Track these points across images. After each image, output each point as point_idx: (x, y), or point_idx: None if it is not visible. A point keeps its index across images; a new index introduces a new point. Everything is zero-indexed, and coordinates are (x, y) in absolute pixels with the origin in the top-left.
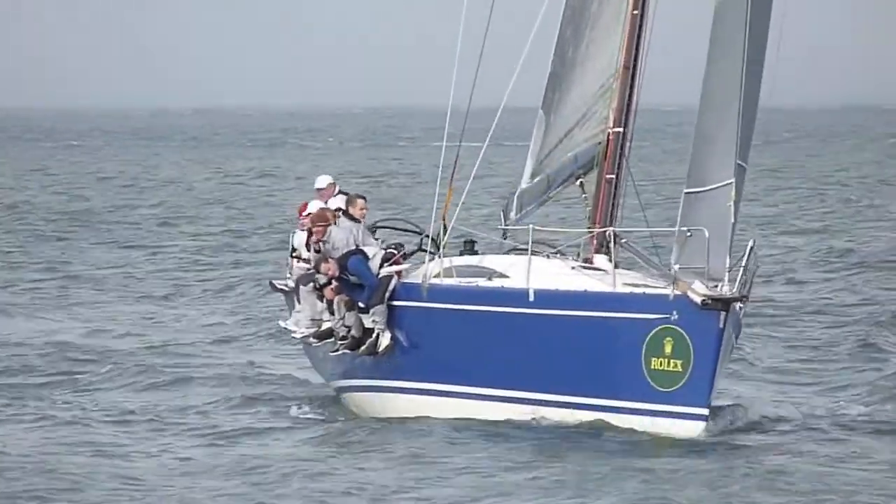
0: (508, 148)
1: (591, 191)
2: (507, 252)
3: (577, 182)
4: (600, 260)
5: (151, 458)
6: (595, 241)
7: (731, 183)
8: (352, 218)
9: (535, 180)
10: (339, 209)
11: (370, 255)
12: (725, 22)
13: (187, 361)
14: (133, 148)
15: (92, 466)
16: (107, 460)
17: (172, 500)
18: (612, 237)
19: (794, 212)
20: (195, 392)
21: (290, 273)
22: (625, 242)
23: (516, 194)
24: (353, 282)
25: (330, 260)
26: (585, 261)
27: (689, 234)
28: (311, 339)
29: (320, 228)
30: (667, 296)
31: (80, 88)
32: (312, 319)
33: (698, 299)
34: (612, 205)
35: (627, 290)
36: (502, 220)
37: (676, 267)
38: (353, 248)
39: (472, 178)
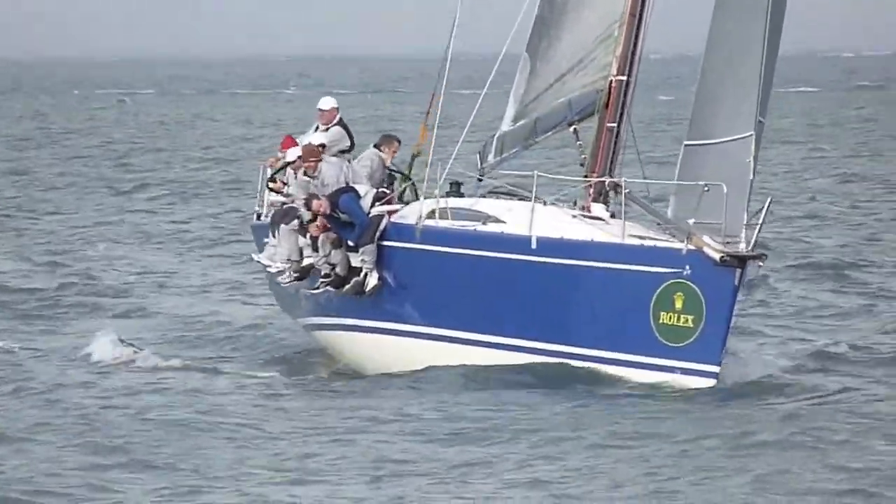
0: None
1: (586, 138)
2: (485, 195)
3: (571, 129)
4: (598, 209)
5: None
6: (594, 190)
7: (751, 135)
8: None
9: (519, 123)
10: (321, 145)
11: (362, 193)
12: None
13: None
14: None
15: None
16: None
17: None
18: (615, 187)
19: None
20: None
21: (260, 207)
22: (629, 193)
23: (496, 136)
24: (343, 220)
25: (321, 196)
26: (583, 209)
27: (706, 188)
28: (290, 275)
29: (311, 164)
30: (680, 250)
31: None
32: (290, 255)
33: (716, 255)
34: (613, 154)
35: (637, 241)
36: (479, 163)
37: (692, 221)
38: (344, 185)
39: (468, 126)
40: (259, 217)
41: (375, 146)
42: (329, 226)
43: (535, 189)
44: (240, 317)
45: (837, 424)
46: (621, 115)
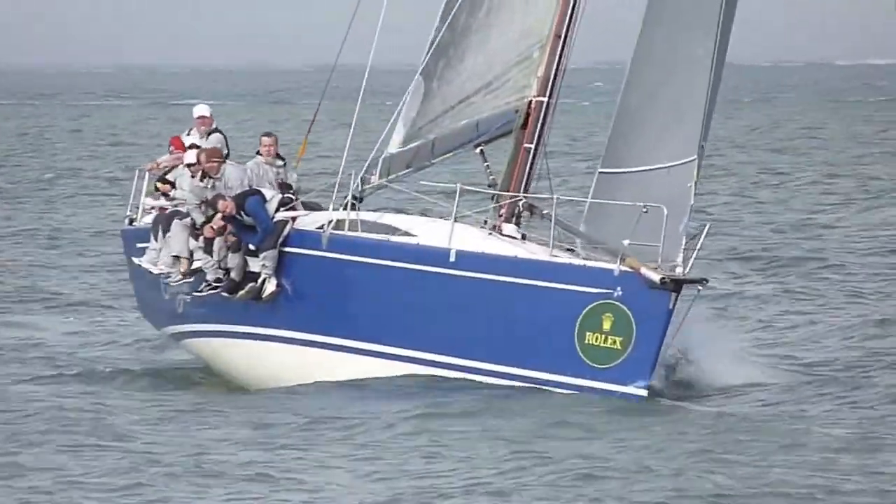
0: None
1: (492, 159)
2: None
3: (478, 150)
4: (510, 229)
5: None
6: (506, 210)
7: (694, 160)
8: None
9: (412, 145)
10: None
11: (268, 197)
12: None
13: None
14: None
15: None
16: None
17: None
18: (530, 208)
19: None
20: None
21: (132, 212)
22: (546, 213)
23: (381, 158)
24: (247, 223)
25: (227, 197)
26: (493, 228)
27: (645, 209)
28: (178, 274)
29: (213, 164)
30: (611, 270)
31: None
32: (180, 252)
33: (656, 277)
34: (528, 174)
35: (565, 260)
36: (358, 184)
37: (626, 242)
38: (248, 188)
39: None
40: (132, 222)
41: (258, 153)
42: (228, 228)
43: (456, 201)
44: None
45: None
46: (539, 135)
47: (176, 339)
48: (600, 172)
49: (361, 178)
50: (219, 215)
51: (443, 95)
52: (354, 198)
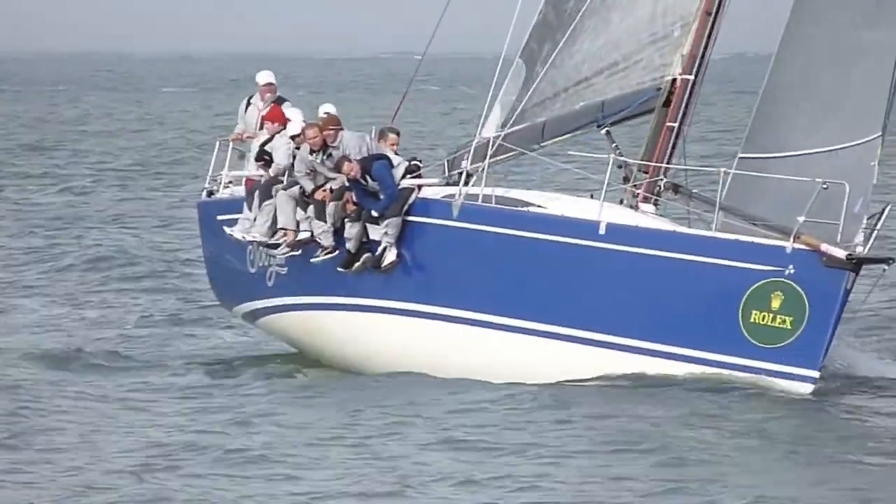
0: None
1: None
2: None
3: (603, 131)
4: (647, 209)
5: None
6: (645, 189)
7: (878, 137)
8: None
9: (516, 128)
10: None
11: (395, 162)
12: None
13: None
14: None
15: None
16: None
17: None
18: (674, 188)
19: None
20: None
21: (211, 184)
22: (696, 193)
23: (475, 143)
24: (370, 189)
25: (353, 160)
26: (631, 208)
27: (825, 186)
28: (284, 249)
29: (331, 132)
30: (783, 248)
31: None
32: (286, 224)
33: (841, 253)
34: (671, 154)
35: (731, 236)
36: (445, 170)
37: (801, 219)
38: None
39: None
40: (210, 194)
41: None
42: (346, 196)
43: (608, 172)
44: None
45: None
46: (684, 114)
47: (255, 316)
48: (741, 157)
49: (448, 163)
50: (330, 183)
51: (550, 78)
52: (469, 175)
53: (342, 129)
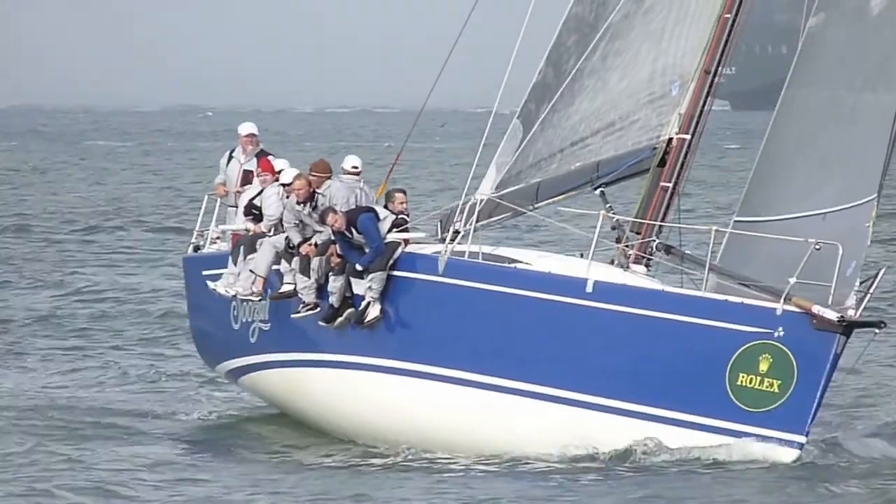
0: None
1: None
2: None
3: (597, 191)
4: (638, 269)
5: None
6: (637, 250)
7: (873, 199)
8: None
9: (510, 189)
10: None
11: (381, 216)
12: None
13: None
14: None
15: None
16: None
17: None
18: (666, 248)
19: None
20: None
21: (198, 239)
22: (687, 254)
23: (469, 203)
24: (354, 242)
25: (338, 211)
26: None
27: (817, 247)
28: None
29: (316, 178)
30: (773, 309)
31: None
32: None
33: (833, 316)
34: (664, 214)
35: (720, 296)
36: (438, 231)
37: (793, 280)
38: (354, 206)
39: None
40: (196, 249)
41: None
42: (330, 249)
43: (598, 229)
44: None
45: None
46: (678, 174)
47: (238, 374)
48: (736, 221)
49: (440, 223)
50: (315, 237)
51: (547, 139)
52: (456, 232)
53: (330, 176)
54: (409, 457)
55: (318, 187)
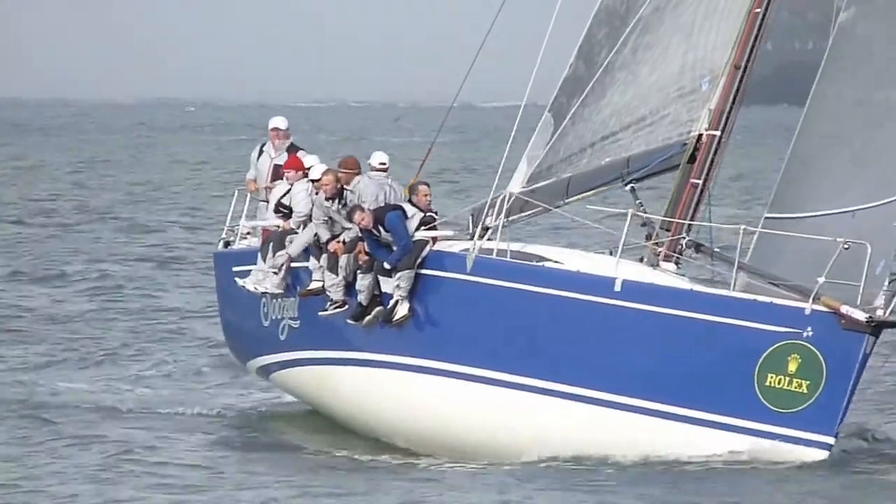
0: None
1: (644, 196)
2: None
3: (628, 187)
4: (668, 267)
5: None
6: (667, 248)
7: None
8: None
9: (541, 184)
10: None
11: (409, 213)
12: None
13: None
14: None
15: None
16: None
17: None
18: (696, 246)
19: None
20: None
21: (228, 234)
22: (717, 252)
23: (501, 198)
24: (382, 240)
25: (366, 209)
26: (652, 267)
27: (846, 246)
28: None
29: (345, 175)
30: (802, 309)
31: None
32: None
33: (861, 316)
34: (694, 211)
35: (749, 296)
36: (469, 225)
37: (821, 280)
38: (384, 204)
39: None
40: (227, 245)
41: (409, 200)
42: (359, 246)
43: (626, 228)
44: None
45: None
46: (709, 170)
47: (267, 371)
48: (767, 217)
49: (473, 217)
50: (343, 235)
51: (577, 133)
52: (485, 228)
53: (359, 172)
54: (430, 457)
55: (346, 183)
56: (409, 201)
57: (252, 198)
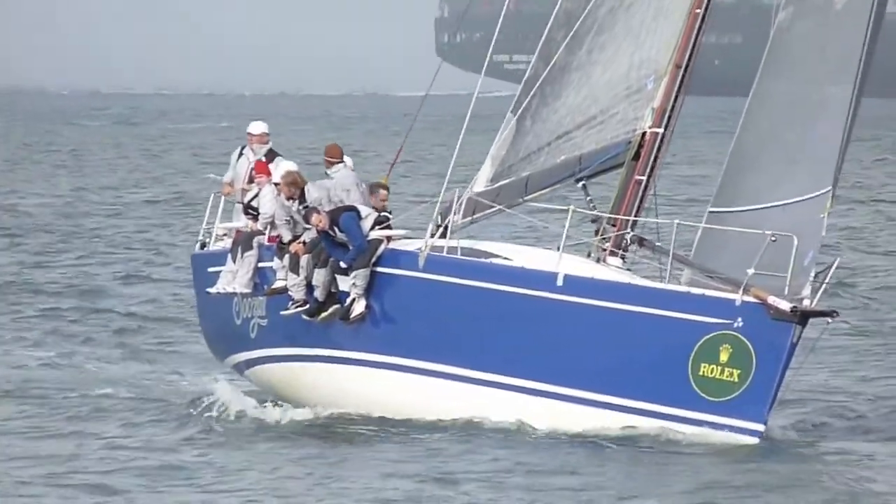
0: None
1: (595, 194)
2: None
3: (580, 184)
4: (614, 262)
5: None
6: (612, 242)
7: (828, 191)
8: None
9: (502, 183)
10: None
11: (363, 214)
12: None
13: None
14: None
15: None
16: None
17: None
18: (639, 241)
19: None
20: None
21: (204, 236)
22: (659, 246)
23: (464, 197)
24: (338, 240)
25: (321, 211)
26: (597, 261)
27: (773, 238)
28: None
29: (327, 162)
30: (732, 300)
31: None
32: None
33: (786, 306)
34: (639, 206)
35: (682, 288)
36: (436, 222)
37: (751, 272)
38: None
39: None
40: (203, 246)
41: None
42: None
43: (567, 225)
44: None
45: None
46: (652, 168)
47: (243, 368)
48: (710, 212)
49: (440, 216)
50: (304, 235)
51: (536, 132)
52: (445, 228)
53: (341, 160)
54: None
55: (328, 169)
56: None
57: (227, 200)
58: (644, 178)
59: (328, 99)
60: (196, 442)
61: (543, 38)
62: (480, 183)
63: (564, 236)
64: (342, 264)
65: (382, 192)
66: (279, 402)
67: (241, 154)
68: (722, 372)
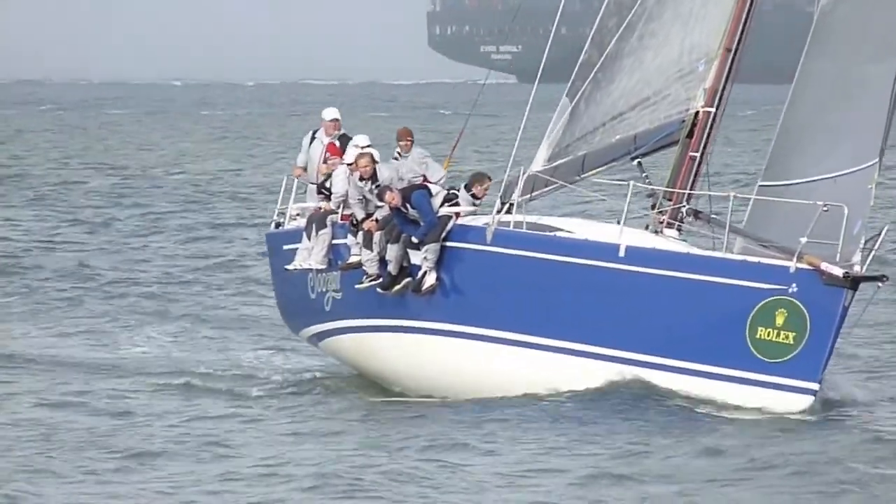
0: None
1: (649, 170)
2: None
3: (635, 162)
4: (670, 233)
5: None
6: (669, 215)
7: (876, 163)
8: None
9: (559, 162)
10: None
11: (433, 192)
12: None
13: None
14: None
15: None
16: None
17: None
18: (695, 214)
19: None
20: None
21: (279, 216)
22: (714, 218)
23: (524, 177)
24: (410, 217)
25: (394, 189)
26: (655, 233)
27: (825, 208)
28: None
29: (405, 144)
30: (787, 267)
31: None
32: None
33: (839, 272)
34: (693, 182)
35: (739, 256)
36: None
37: (804, 240)
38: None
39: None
40: (278, 226)
41: (465, 187)
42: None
43: (628, 199)
44: None
45: None
46: (705, 145)
47: (317, 339)
48: (760, 185)
49: (501, 198)
50: (377, 213)
51: (591, 115)
52: (503, 203)
53: (413, 141)
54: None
55: (407, 151)
56: (468, 187)
57: (300, 182)
58: (697, 154)
59: (323, 88)
60: (242, 415)
61: (595, 26)
62: (538, 163)
63: (626, 209)
64: (414, 239)
65: (487, 181)
66: (328, 377)
67: (313, 138)
68: (778, 335)
